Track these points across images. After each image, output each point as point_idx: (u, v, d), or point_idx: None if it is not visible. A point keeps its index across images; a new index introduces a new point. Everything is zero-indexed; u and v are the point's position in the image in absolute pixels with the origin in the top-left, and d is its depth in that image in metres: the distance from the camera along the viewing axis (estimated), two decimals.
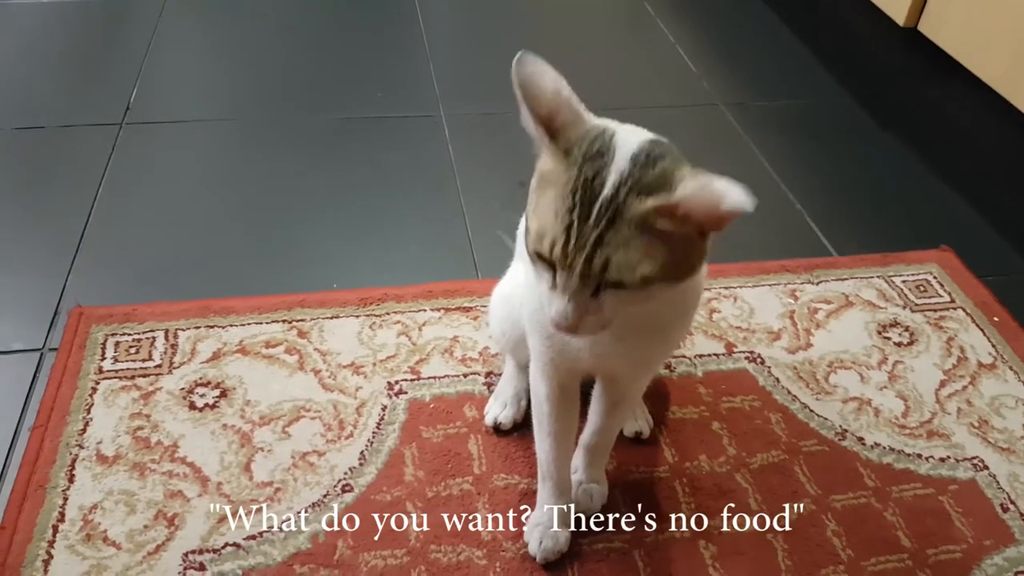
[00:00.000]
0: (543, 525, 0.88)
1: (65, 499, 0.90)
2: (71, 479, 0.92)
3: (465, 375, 1.07)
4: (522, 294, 0.81)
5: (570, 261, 0.60)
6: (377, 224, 1.34)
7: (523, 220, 0.74)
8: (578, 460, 0.92)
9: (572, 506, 0.90)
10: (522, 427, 1.01)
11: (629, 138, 0.62)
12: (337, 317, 1.14)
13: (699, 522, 0.93)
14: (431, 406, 1.03)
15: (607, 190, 0.59)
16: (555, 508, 0.87)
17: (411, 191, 1.42)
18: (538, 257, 0.62)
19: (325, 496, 0.92)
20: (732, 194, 0.55)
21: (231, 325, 1.11)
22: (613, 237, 0.58)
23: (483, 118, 1.63)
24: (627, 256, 0.59)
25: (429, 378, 1.06)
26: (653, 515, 0.93)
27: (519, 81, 0.62)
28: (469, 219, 1.36)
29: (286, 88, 1.68)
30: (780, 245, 1.34)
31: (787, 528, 0.93)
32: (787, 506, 0.95)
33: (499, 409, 1.00)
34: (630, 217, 0.58)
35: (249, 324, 1.11)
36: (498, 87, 1.73)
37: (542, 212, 0.62)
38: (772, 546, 0.92)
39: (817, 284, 1.26)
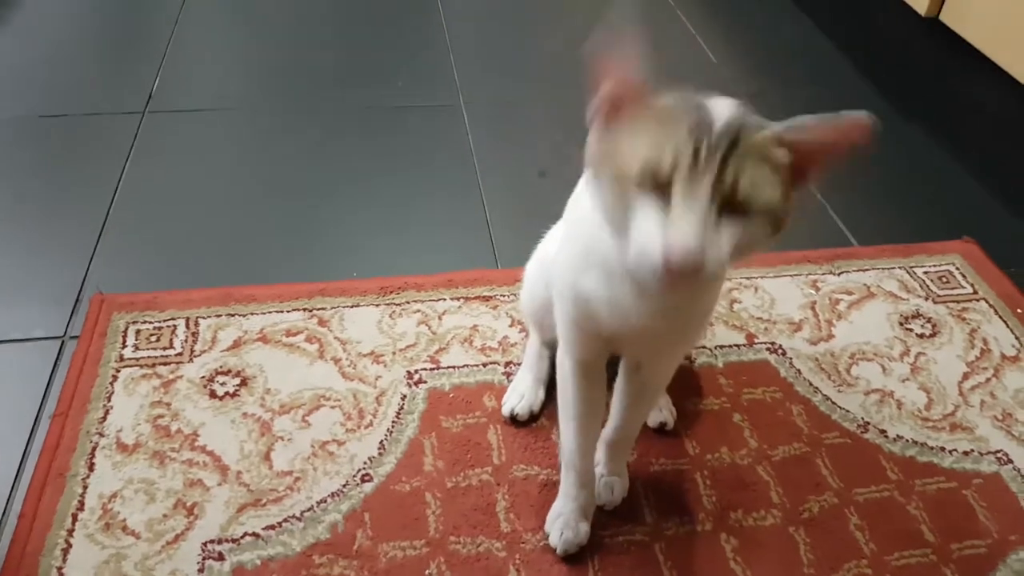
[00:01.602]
0: (564, 516, 0.87)
1: (85, 487, 0.90)
2: (91, 467, 0.92)
3: (485, 364, 1.07)
4: (556, 257, 0.80)
5: (701, 171, 0.57)
6: (397, 213, 1.34)
7: (581, 181, 0.74)
8: (600, 453, 0.91)
9: (593, 498, 0.89)
10: (540, 418, 1.00)
11: (718, 103, 0.62)
12: (357, 306, 1.13)
13: (720, 515, 0.92)
14: (450, 395, 1.03)
15: (721, 124, 0.59)
16: (577, 499, 0.87)
17: (431, 180, 1.41)
18: (651, 184, 0.59)
19: (345, 486, 0.92)
20: (861, 117, 0.58)
21: (252, 313, 1.11)
22: (738, 161, 0.58)
23: (503, 107, 1.62)
24: (754, 175, 0.58)
25: (448, 367, 1.06)
26: (674, 508, 0.93)
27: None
28: (489, 208, 1.35)
29: (307, 77, 1.67)
30: (801, 236, 1.32)
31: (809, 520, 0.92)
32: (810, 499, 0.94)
33: (516, 400, 1.00)
34: (750, 144, 0.58)
35: (270, 312, 1.11)
36: (517, 76, 1.73)
37: (653, 136, 0.60)
38: (794, 540, 0.91)
39: (839, 275, 1.24)
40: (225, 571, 0.84)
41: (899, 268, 1.27)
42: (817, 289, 1.22)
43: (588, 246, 0.70)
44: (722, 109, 0.60)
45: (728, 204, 0.58)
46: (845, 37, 1.92)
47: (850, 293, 1.22)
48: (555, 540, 0.87)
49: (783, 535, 0.91)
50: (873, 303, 1.20)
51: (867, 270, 1.26)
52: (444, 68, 1.72)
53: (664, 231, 0.57)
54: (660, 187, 0.58)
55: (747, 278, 1.22)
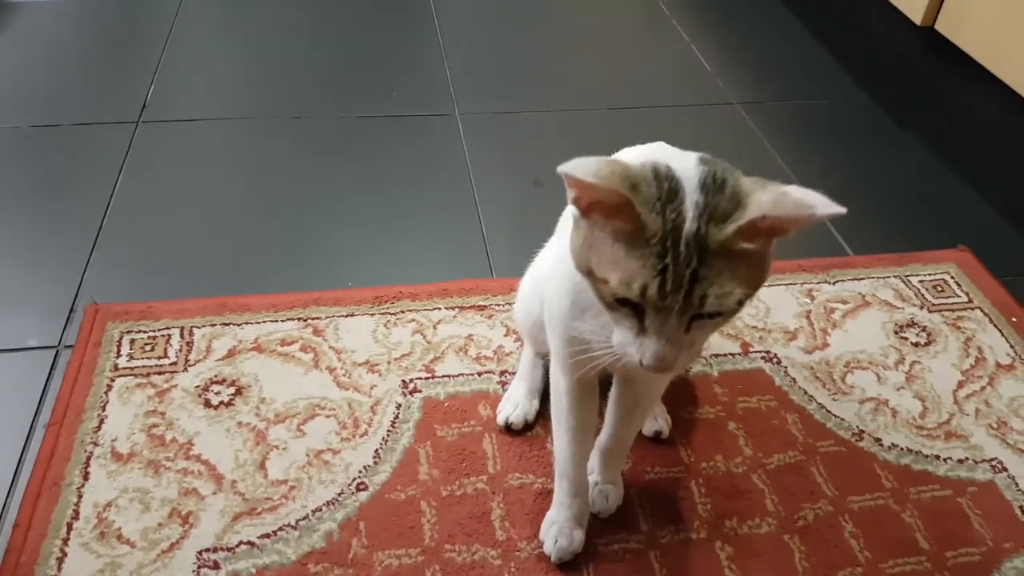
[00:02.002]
0: (559, 524, 0.87)
1: (80, 497, 0.90)
2: (86, 476, 0.92)
3: (480, 374, 1.07)
4: (546, 287, 0.81)
5: (668, 302, 0.59)
6: (392, 223, 1.34)
7: (567, 238, 0.72)
8: (594, 461, 0.91)
9: (588, 506, 0.90)
10: (535, 427, 1.00)
11: (685, 166, 0.61)
12: (352, 315, 1.13)
13: (715, 523, 0.92)
14: (445, 405, 1.03)
15: (689, 225, 0.59)
16: (571, 507, 0.87)
17: (426, 190, 1.42)
18: (624, 303, 0.61)
19: (340, 494, 0.92)
20: (822, 203, 0.57)
21: (246, 323, 1.11)
22: (707, 272, 0.58)
23: (498, 117, 1.62)
24: (722, 286, 0.59)
25: (444, 376, 1.06)
26: (669, 516, 0.93)
27: (576, 179, 0.59)
28: (484, 218, 1.35)
29: (301, 87, 1.68)
30: (796, 244, 1.33)
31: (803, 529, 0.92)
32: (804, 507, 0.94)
33: (511, 409, 1.00)
34: (715, 247, 0.58)
35: (264, 322, 1.11)
36: (513, 85, 1.74)
37: (622, 261, 0.60)
38: (789, 547, 0.91)
39: (834, 284, 1.25)
40: None
41: (894, 277, 1.27)
42: (812, 298, 1.22)
43: (579, 295, 0.71)
44: (691, 191, 0.59)
45: (699, 314, 0.61)
46: (841, 46, 1.93)
47: (845, 302, 1.22)
48: (549, 548, 0.87)
49: (778, 543, 0.91)
50: (868, 312, 1.21)
51: (862, 279, 1.26)
52: (439, 78, 1.73)
53: (639, 344, 0.62)
54: (634, 306, 0.61)
55: None
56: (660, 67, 1.85)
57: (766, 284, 1.26)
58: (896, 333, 1.18)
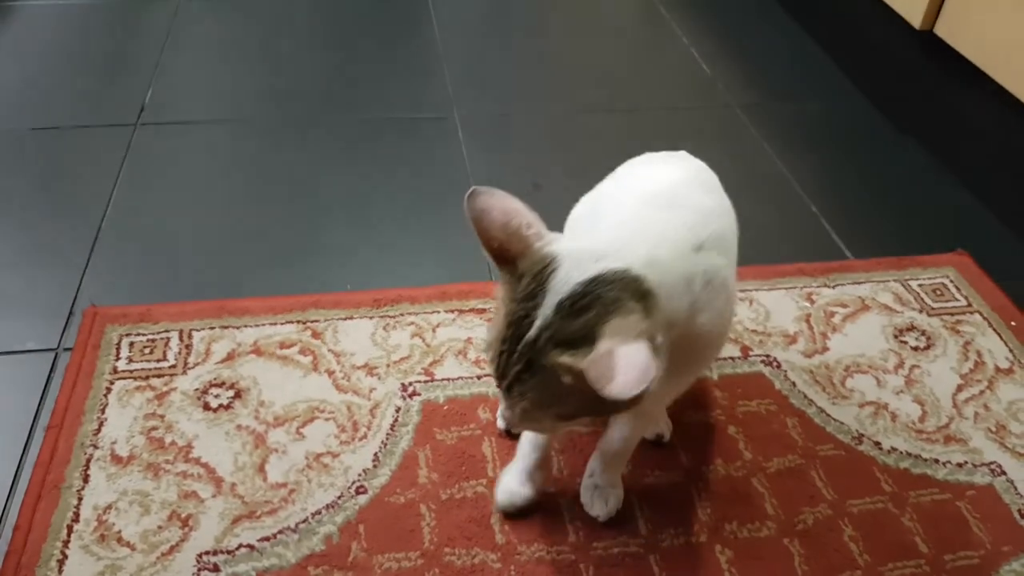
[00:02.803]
0: (508, 475, 0.91)
1: (80, 499, 0.90)
2: (86, 479, 0.92)
3: (479, 377, 1.07)
4: None
5: (498, 382, 0.64)
6: (391, 225, 1.34)
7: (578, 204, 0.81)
8: (595, 463, 0.91)
9: (544, 469, 0.91)
10: None
11: (569, 276, 0.60)
12: (351, 318, 1.13)
13: (715, 527, 0.92)
14: (445, 408, 1.03)
15: (532, 332, 0.60)
16: (525, 460, 0.89)
17: (425, 192, 1.42)
18: None
19: (339, 497, 0.92)
20: (619, 384, 0.54)
21: (245, 326, 1.11)
22: (529, 378, 0.60)
23: (497, 119, 1.62)
24: (540, 397, 0.61)
25: (443, 380, 1.06)
26: (669, 519, 0.93)
27: (470, 217, 0.63)
28: None
29: (299, 89, 1.68)
30: (796, 248, 1.33)
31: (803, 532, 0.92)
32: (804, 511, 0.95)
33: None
34: (544, 364, 0.59)
35: (263, 325, 1.11)
36: (511, 88, 1.74)
37: (493, 325, 0.63)
38: (789, 551, 0.91)
39: (833, 287, 1.25)
40: None
41: (894, 281, 1.27)
42: (812, 302, 1.22)
43: None
44: (548, 304, 0.60)
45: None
46: (840, 49, 1.94)
47: (845, 306, 1.22)
48: (496, 498, 0.90)
49: (778, 546, 0.91)
50: (868, 316, 1.21)
51: (862, 283, 1.26)
52: (437, 80, 1.73)
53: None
54: None
55: (741, 291, 1.22)
56: (658, 69, 1.86)
57: (765, 287, 1.26)
58: (896, 337, 1.18)
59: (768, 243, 1.33)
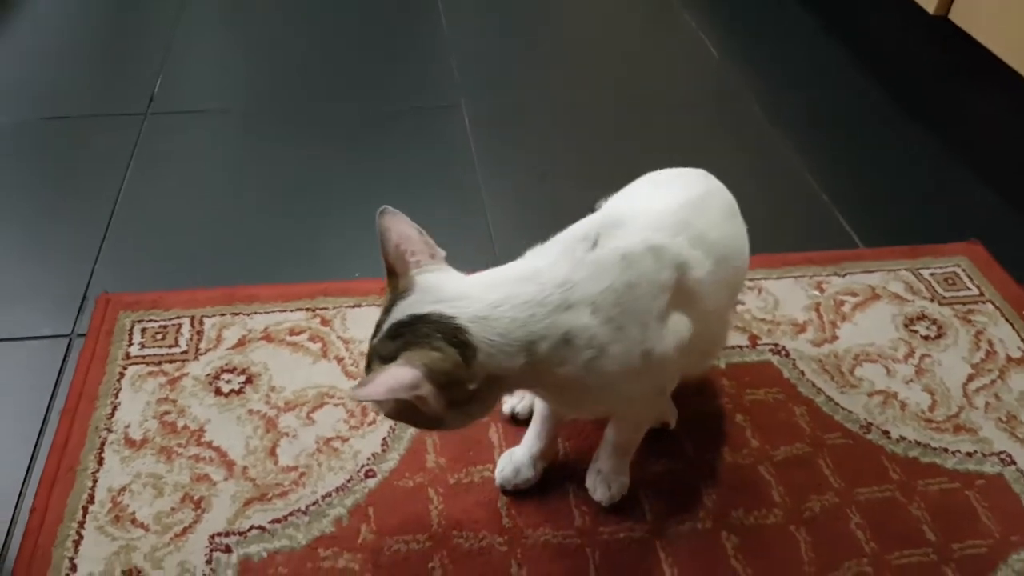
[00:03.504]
0: (513, 455, 0.93)
1: (95, 482, 0.92)
2: (100, 462, 0.94)
3: None
4: None
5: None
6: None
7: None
8: (601, 450, 0.92)
9: (549, 456, 0.93)
10: None
11: (408, 306, 0.70)
12: (359, 306, 1.14)
13: (721, 514, 0.93)
14: None
15: (375, 340, 0.71)
16: (531, 448, 0.92)
17: (432, 182, 1.42)
18: None
19: (349, 481, 0.93)
20: (362, 387, 0.64)
21: (256, 312, 1.12)
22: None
23: (504, 109, 1.62)
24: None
25: None
26: (675, 506, 0.93)
27: (377, 231, 0.74)
28: (489, 210, 1.36)
29: (308, 79, 1.69)
30: (806, 237, 1.33)
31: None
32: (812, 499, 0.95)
33: (516, 399, 1.01)
34: (372, 368, 0.70)
35: (273, 312, 1.12)
36: (519, 79, 1.74)
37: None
38: (795, 538, 0.91)
39: (843, 276, 1.25)
40: (232, 563, 0.85)
41: (905, 270, 1.26)
42: (822, 290, 1.22)
43: None
44: (387, 323, 0.70)
45: None
46: (851, 36, 1.92)
47: (855, 295, 1.22)
48: (497, 475, 0.92)
49: (784, 533, 0.91)
50: (878, 305, 1.21)
51: (872, 272, 1.26)
52: (445, 69, 1.73)
53: None
54: None
55: (750, 279, 1.22)
56: (669, 58, 1.85)
57: (774, 276, 1.26)
58: (906, 326, 1.17)
59: (778, 231, 1.32)
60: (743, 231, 0.90)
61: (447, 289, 0.71)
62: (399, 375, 0.64)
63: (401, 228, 0.74)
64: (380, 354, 0.69)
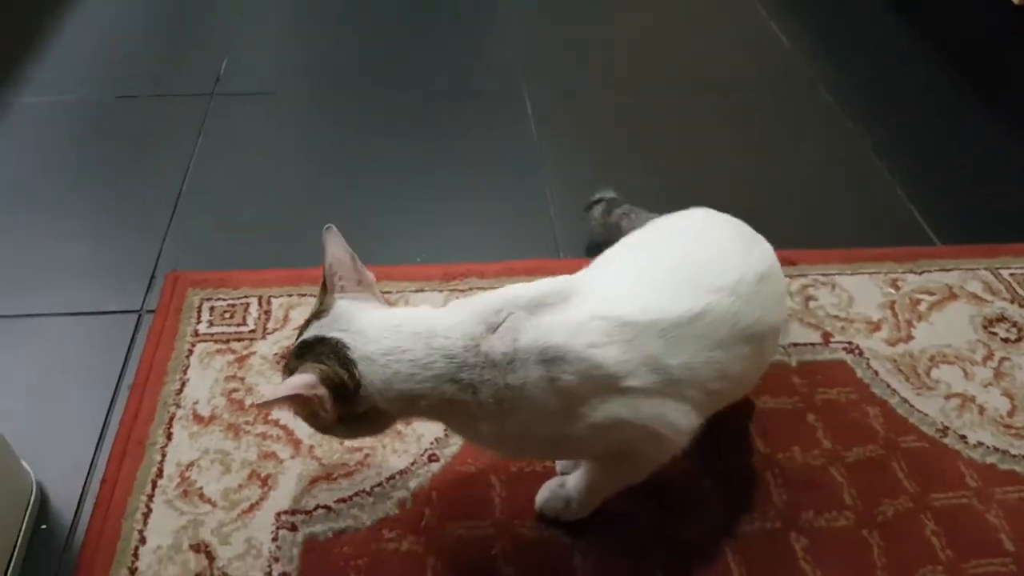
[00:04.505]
0: (553, 483, 0.89)
1: (163, 456, 0.93)
2: (169, 437, 0.95)
3: None
4: None
5: None
6: (460, 200, 1.34)
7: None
8: (574, 476, 0.88)
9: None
10: None
11: (319, 327, 0.73)
12: (422, 291, 1.14)
13: (791, 514, 0.90)
14: None
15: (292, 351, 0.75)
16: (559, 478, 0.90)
17: (494, 168, 1.41)
18: None
19: (412, 464, 0.93)
20: (264, 390, 0.72)
21: None
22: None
23: (566, 95, 1.61)
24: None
25: None
26: (743, 505, 0.91)
27: (324, 246, 0.77)
28: (551, 197, 1.34)
29: (371, 63, 1.69)
30: (881, 232, 1.28)
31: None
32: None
33: None
34: None
35: None
36: (581, 65, 1.71)
37: None
38: (867, 542, 0.88)
39: (920, 274, 1.20)
40: (298, 541, 0.86)
41: (983, 269, 1.22)
42: (897, 288, 1.18)
43: None
44: (304, 336, 0.74)
45: None
46: (930, 23, 1.85)
47: (931, 293, 1.17)
48: (537, 501, 0.89)
49: (855, 537, 0.89)
50: (955, 304, 1.16)
51: (950, 270, 1.21)
52: (508, 55, 1.71)
53: None
54: None
55: (824, 275, 1.19)
56: (737, 45, 1.80)
57: (848, 272, 1.22)
58: (985, 328, 1.13)
59: (851, 226, 1.28)
60: (772, 303, 0.82)
61: (354, 321, 0.72)
62: (300, 377, 0.68)
63: (336, 251, 0.77)
64: (289, 368, 0.73)
